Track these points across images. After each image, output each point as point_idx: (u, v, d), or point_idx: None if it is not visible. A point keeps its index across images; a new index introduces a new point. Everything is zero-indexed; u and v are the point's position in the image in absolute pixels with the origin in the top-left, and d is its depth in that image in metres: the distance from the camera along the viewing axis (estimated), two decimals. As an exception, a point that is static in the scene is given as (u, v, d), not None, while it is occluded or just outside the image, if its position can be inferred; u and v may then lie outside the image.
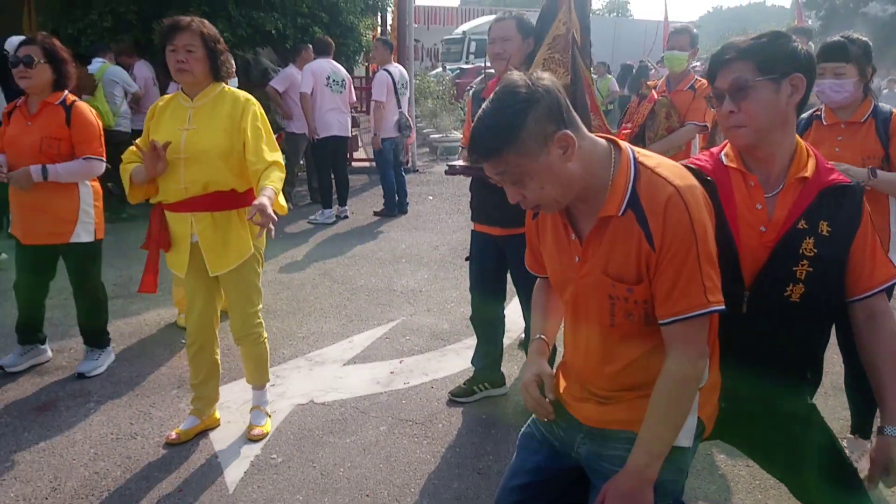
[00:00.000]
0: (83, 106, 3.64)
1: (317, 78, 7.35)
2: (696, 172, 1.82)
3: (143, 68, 7.85)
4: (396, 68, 7.82)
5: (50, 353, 4.04)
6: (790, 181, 1.74)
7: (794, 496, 1.99)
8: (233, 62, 3.08)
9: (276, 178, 2.85)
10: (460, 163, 3.14)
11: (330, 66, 7.53)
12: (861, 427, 2.96)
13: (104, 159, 3.69)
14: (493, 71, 3.35)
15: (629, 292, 1.56)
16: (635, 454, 1.56)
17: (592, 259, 1.59)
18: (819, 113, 2.89)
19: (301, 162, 8.86)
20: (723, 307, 1.53)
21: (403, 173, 8.24)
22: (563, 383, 1.83)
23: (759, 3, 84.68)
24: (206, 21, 2.95)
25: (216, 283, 3.12)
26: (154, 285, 3.13)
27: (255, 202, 2.69)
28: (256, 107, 2.99)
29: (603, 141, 1.60)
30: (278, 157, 2.96)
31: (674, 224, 1.48)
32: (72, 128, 3.56)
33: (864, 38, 2.79)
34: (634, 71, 12.48)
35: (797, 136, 1.80)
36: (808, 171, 1.73)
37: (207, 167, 2.87)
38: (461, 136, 12.46)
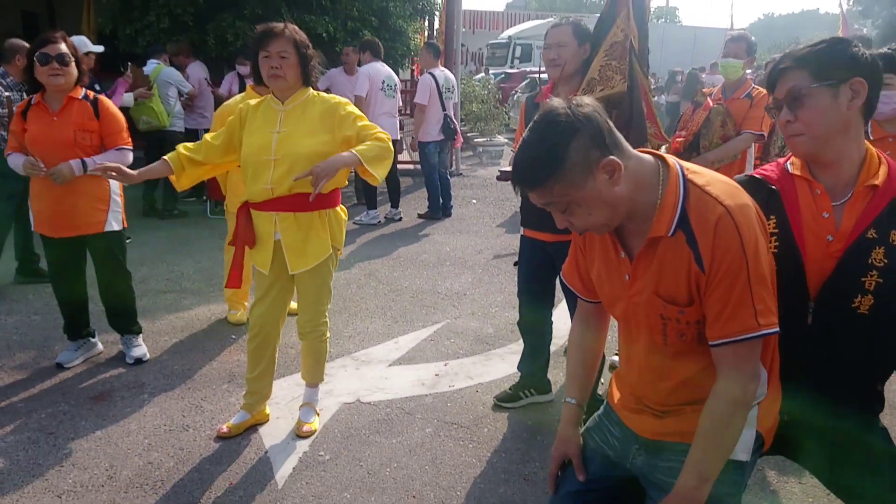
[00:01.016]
0: (106, 99, 3.78)
1: (373, 82, 7.41)
2: (760, 182, 1.80)
3: (198, 69, 8.03)
4: (441, 72, 7.86)
5: (101, 346, 4.15)
6: (859, 189, 1.70)
7: None
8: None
9: (367, 146, 2.89)
10: (510, 169, 3.13)
11: (385, 70, 7.60)
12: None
13: (132, 148, 3.82)
14: (540, 76, 3.34)
15: (681, 314, 1.54)
16: (684, 476, 1.54)
17: (643, 279, 1.58)
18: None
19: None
20: (775, 329, 1.50)
21: (448, 176, 8.28)
22: (617, 394, 1.82)
23: (812, 10, 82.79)
24: (295, 27, 3.01)
25: (290, 281, 3.18)
26: (240, 280, 3.24)
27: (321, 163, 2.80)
28: (350, 106, 3.05)
29: (650, 158, 1.58)
30: (381, 134, 3.00)
31: (724, 245, 1.46)
32: (101, 120, 3.68)
33: None
34: (679, 78, 12.31)
35: (867, 143, 1.76)
36: (879, 179, 1.68)
37: (294, 169, 2.92)
38: (505, 141, 12.51)
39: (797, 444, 1.80)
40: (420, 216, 8.02)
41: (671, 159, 1.57)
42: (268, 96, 3.09)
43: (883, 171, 1.70)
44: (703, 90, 4.60)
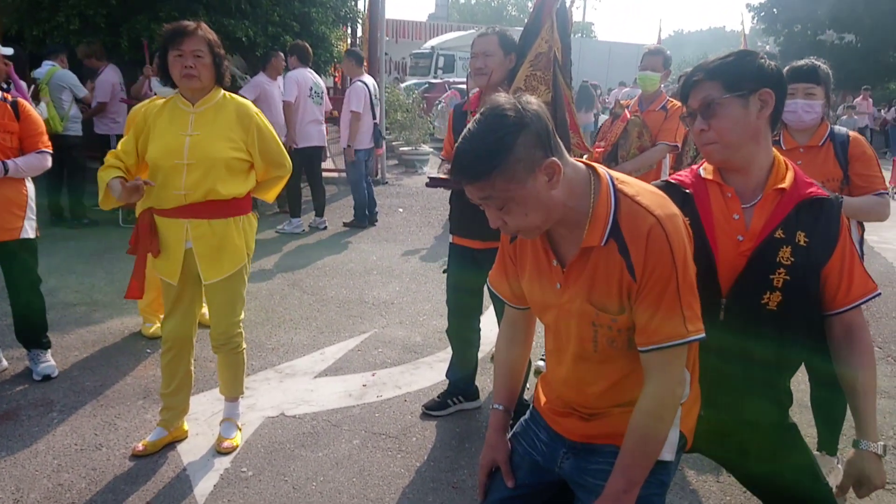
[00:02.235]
0: (25, 102, 3.65)
1: (301, 88, 7.35)
2: (675, 186, 1.87)
3: (111, 72, 7.68)
4: (371, 80, 7.84)
5: (6, 363, 3.91)
6: (768, 192, 1.79)
7: None
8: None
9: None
10: (441, 176, 3.13)
11: (312, 76, 7.58)
12: (828, 444, 3.02)
13: (52, 151, 3.67)
14: (463, 87, 3.37)
15: (613, 321, 1.57)
16: (614, 480, 1.55)
17: (574, 287, 1.60)
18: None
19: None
20: (702, 335, 1.54)
21: (373, 185, 8.24)
22: (543, 398, 1.84)
23: (719, 28, 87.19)
24: (209, 27, 2.93)
25: (199, 290, 3.07)
26: (141, 291, 3.07)
27: None
28: (261, 116, 3.00)
29: (582, 166, 1.60)
30: (288, 165, 3.09)
31: (655, 255, 1.49)
32: (21, 122, 3.55)
33: (827, 65, 2.88)
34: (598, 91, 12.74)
35: (774, 150, 1.86)
36: (786, 183, 1.77)
37: (210, 174, 2.83)
38: (430, 150, 12.55)
39: (712, 440, 1.85)
40: (346, 224, 7.93)
41: (601, 169, 1.60)
42: (173, 97, 2.98)
43: (790, 176, 1.80)
44: (622, 102, 4.74)
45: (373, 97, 7.66)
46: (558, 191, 1.50)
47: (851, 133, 2.82)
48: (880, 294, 1.86)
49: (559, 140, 1.53)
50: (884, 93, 24.59)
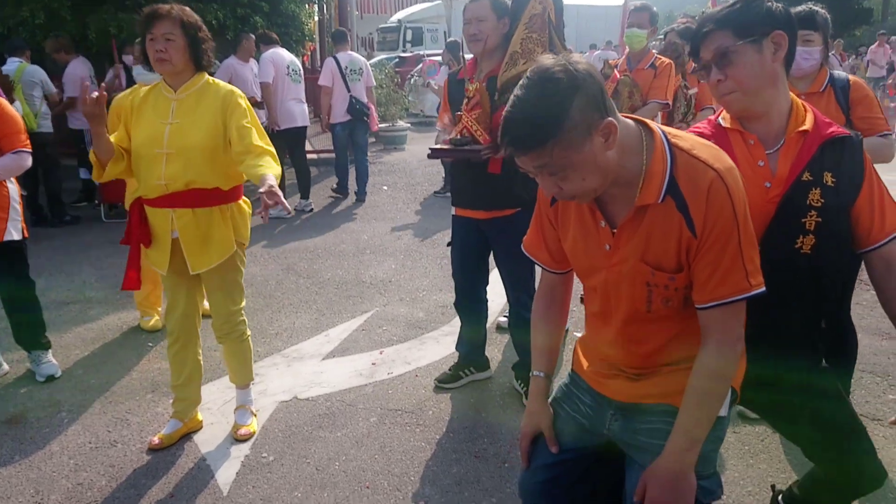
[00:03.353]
0: (3, 100, 3.50)
1: (277, 68, 7.25)
2: None
3: (79, 65, 7.46)
4: (346, 55, 7.80)
5: (7, 366, 3.84)
6: (790, 136, 1.78)
7: (806, 455, 2.05)
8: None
9: (273, 166, 2.72)
10: (443, 147, 3.09)
11: (287, 55, 7.48)
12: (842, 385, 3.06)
13: (31, 150, 3.52)
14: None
15: (671, 280, 1.53)
16: (675, 439, 1.53)
17: (627, 247, 1.56)
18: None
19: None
20: (763, 289, 1.51)
21: (367, 161, 8.32)
22: (584, 362, 1.81)
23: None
24: (186, 8, 2.81)
25: (198, 280, 3.02)
26: (138, 282, 3.00)
27: (264, 184, 2.54)
28: (243, 99, 2.88)
29: (632, 123, 1.55)
30: (272, 149, 2.85)
31: (716, 210, 1.45)
32: None
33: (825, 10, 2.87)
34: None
35: (791, 93, 1.85)
36: (808, 125, 1.77)
37: (190, 164, 2.76)
38: (407, 125, 12.41)
39: (749, 387, 1.86)
40: (333, 191, 8.31)
41: (653, 124, 1.55)
42: (158, 83, 2.90)
43: (810, 118, 1.79)
44: (610, 62, 4.70)
45: (346, 71, 7.65)
46: (613, 152, 1.46)
47: (852, 77, 2.82)
48: None
49: (610, 99, 1.47)
50: (850, 40, 24.78)
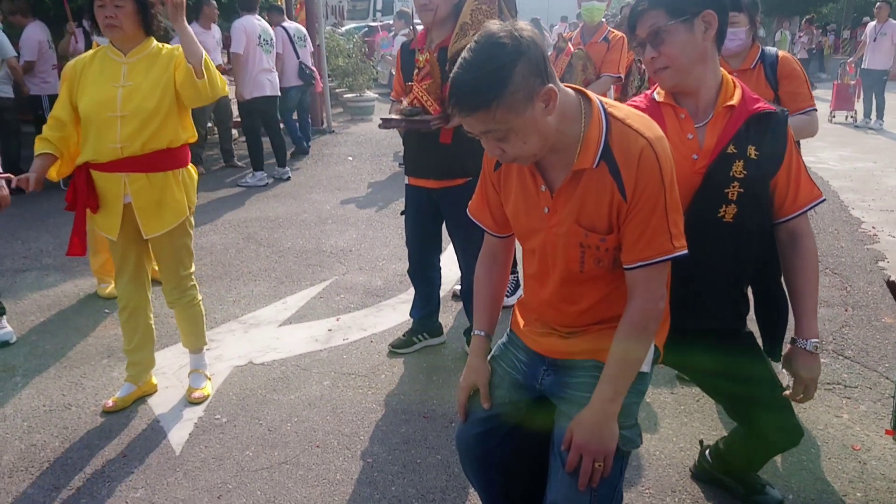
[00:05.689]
0: None
1: (249, 37, 7.12)
2: None
3: (37, 29, 7.30)
4: (292, 24, 8.42)
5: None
6: (718, 110, 1.89)
7: (728, 414, 2.18)
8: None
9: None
10: (394, 116, 3.14)
11: (259, 23, 7.35)
12: (771, 352, 3.21)
13: None
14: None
15: (602, 241, 1.63)
16: (600, 389, 1.63)
17: (563, 209, 1.64)
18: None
19: (210, 124, 8.58)
20: (685, 252, 1.62)
21: (310, 120, 9.43)
22: (521, 321, 1.91)
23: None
24: None
25: (146, 245, 3.05)
26: (83, 248, 3.01)
27: None
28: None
29: (572, 92, 1.63)
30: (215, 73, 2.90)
31: (646, 175, 1.55)
32: None
33: None
34: None
35: (722, 69, 1.94)
36: (735, 100, 1.88)
37: (146, 126, 2.78)
38: (375, 95, 12.36)
39: (676, 350, 1.97)
40: (292, 155, 8.67)
41: (591, 94, 1.64)
42: (104, 46, 2.90)
43: (738, 93, 1.90)
44: (564, 35, 4.76)
45: (294, 39, 8.22)
46: (553, 117, 1.53)
47: (781, 52, 2.92)
48: (825, 200, 1.99)
49: (552, 67, 1.55)
50: (816, 17, 25.07)
